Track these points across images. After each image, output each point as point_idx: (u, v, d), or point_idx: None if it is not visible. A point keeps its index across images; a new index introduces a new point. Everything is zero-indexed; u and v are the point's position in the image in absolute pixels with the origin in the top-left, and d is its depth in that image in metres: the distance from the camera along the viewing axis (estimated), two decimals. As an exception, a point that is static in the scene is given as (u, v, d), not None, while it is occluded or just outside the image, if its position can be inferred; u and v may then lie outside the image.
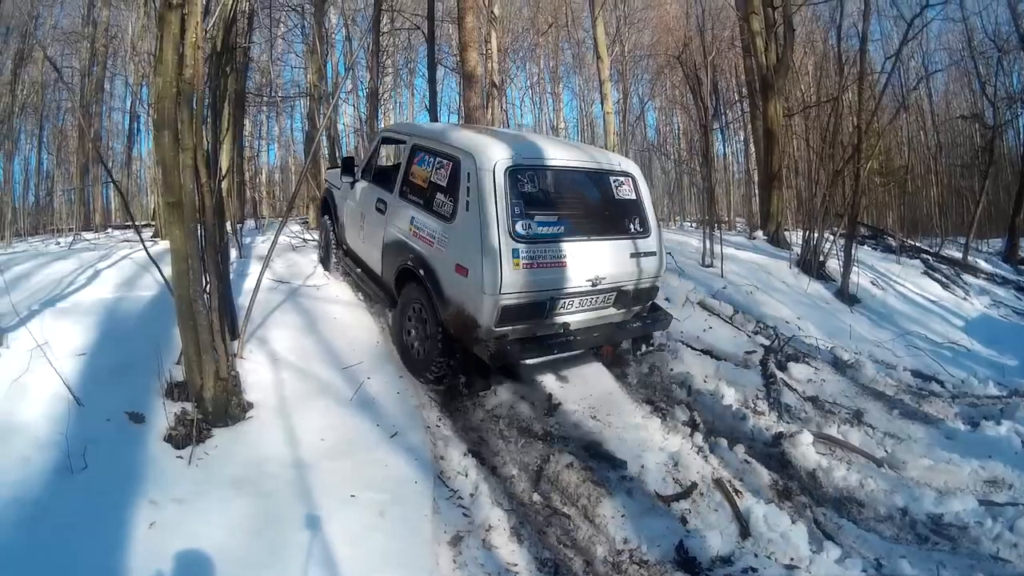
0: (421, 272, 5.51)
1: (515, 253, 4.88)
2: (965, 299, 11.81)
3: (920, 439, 5.71)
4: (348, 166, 7.32)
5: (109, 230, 15.93)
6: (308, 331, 6.12)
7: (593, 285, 5.32)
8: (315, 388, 5.16)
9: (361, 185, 7.14)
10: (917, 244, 15.94)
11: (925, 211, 23.58)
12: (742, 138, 26.93)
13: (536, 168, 5.33)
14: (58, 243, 12.15)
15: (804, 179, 14.78)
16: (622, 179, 5.82)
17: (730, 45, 19.25)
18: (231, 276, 5.99)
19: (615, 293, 5.58)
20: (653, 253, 5.76)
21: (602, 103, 14.47)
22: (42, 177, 22.63)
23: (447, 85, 28.14)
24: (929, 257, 14.20)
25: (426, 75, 15.66)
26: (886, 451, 5.47)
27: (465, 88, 11.34)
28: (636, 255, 5.62)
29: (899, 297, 10.90)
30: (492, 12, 14.74)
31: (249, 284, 6.65)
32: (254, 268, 7.43)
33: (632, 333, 6.05)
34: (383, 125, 19.78)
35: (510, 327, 5.11)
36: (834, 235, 11.31)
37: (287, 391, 5.04)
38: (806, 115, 14.59)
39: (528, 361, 5.66)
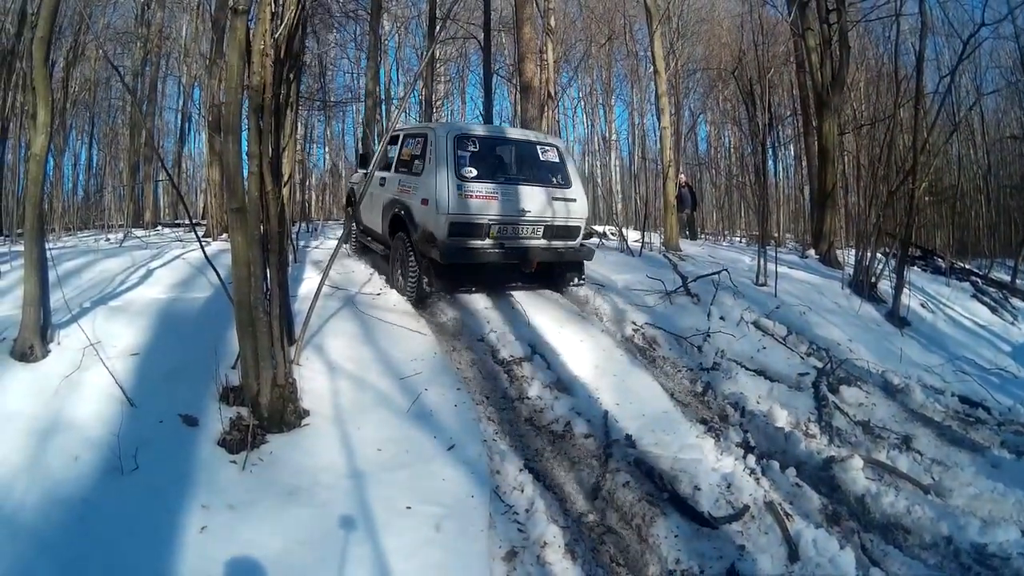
0: (403, 213, 7.59)
1: (459, 187, 6.99)
2: (1013, 324, 11.51)
3: (966, 467, 5.62)
4: (364, 161, 9.98)
5: (159, 227, 16.10)
6: (364, 339, 6.13)
7: (521, 215, 7.31)
8: (372, 398, 5.16)
9: (372, 173, 8.60)
10: (966, 266, 15.58)
11: (974, 232, 23.04)
12: (792, 154, 26.50)
13: (476, 137, 7.54)
14: (107, 239, 12.19)
15: (855, 197, 14.52)
16: (547, 148, 7.95)
17: (784, 61, 19.03)
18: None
19: (543, 226, 7.54)
20: (575, 200, 7.69)
21: (658, 117, 14.13)
22: (91, 173, 23.02)
23: (499, 94, 28.28)
24: (978, 280, 13.88)
25: (477, 83, 15.88)
26: (933, 478, 5.39)
27: (523, 99, 11.58)
28: (559, 199, 7.56)
29: (948, 321, 10.66)
30: (549, 24, 14.66)
31: (304, 289, 6.82)
32: (309, 273, 7.67)
33: (553, 255, 7.65)
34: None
35: (459, 239, 7.06)
36: (886, 256, 11.11)
37: (343, 400, 5.05)
38: (857, 133, 14.36)
39: (472, 264, 7.43)
